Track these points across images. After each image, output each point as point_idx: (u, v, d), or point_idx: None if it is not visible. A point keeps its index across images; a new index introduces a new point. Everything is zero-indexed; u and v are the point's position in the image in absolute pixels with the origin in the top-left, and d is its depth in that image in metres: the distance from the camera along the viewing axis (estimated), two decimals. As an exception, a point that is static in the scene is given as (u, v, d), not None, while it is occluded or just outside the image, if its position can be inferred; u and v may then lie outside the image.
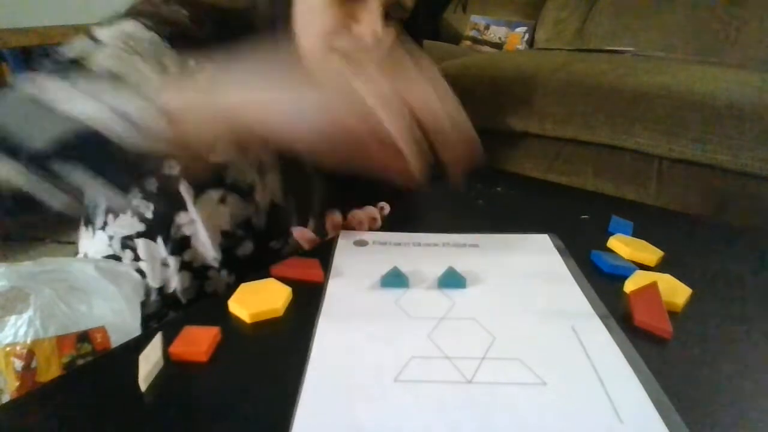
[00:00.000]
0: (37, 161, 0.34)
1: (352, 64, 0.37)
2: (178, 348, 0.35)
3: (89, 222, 0.57)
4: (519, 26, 1.72)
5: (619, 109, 0.91)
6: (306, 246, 0.54)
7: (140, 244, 0.54)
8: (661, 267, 0.49)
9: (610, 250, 0.52)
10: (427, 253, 0.51)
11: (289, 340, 0.37)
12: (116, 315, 0.54)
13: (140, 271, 0.54)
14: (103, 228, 0.55)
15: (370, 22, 0.48)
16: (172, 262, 0.55)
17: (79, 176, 0.34)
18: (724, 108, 0.82)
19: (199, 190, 0.53)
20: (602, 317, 0.40)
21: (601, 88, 0.93)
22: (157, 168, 0.47)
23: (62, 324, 0.54)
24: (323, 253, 0.49)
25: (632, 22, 1.47)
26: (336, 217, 0.56)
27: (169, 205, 0.53)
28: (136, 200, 0.53)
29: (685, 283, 0.45)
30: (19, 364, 0.52)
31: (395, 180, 0.36)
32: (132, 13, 0.48)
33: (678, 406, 0.31)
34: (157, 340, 0.36)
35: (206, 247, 0.55)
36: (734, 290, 0.46)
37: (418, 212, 0.65)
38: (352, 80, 0.34)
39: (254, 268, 0.46)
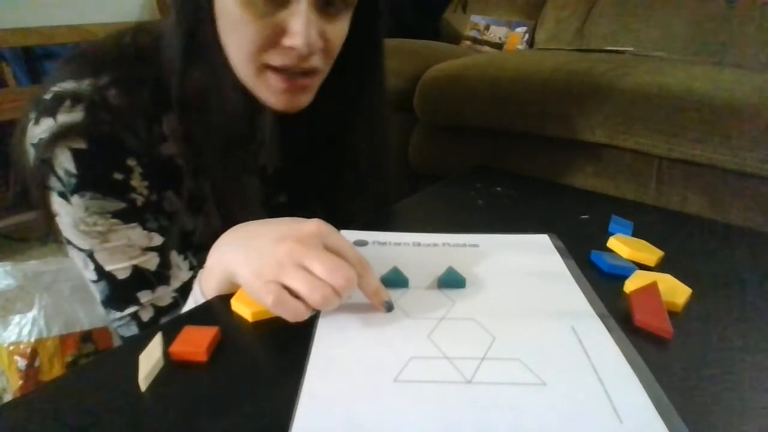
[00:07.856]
0: None
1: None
2: (178, 348, 0.35)
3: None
4: (519, 26, 1.71)
5: (619, 109, 0.91)
6: None
7: None
8: (661, 267, 0.49)
9: (610, 250, 0.52)
10: (427, 253, 0.51)
11: (289, 339, 0.37)
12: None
13: None
14: None
15: (299, 31, 0.44)
16: None
17: None
18: (724, 108, 0.82)
19: None
20: (602, 317, 0.40)
21: (601, 88, 0.93)
22: None
23: (66, 324, 0.54)
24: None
25: (632, 22, 1.46)
26: None
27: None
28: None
29: (685, 283, 0.45)
30: (22, 363, 0.53)
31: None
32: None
33: (678, 406, 0.31)
34: (157, 340, 0.36)
35: None
36: (734, 290, 0.47)
37: (418, 212, 0.65)
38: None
39: None
